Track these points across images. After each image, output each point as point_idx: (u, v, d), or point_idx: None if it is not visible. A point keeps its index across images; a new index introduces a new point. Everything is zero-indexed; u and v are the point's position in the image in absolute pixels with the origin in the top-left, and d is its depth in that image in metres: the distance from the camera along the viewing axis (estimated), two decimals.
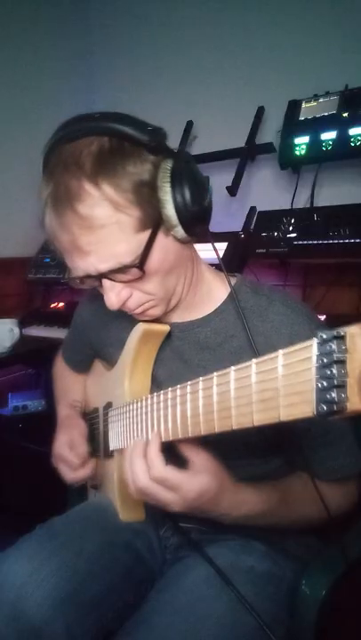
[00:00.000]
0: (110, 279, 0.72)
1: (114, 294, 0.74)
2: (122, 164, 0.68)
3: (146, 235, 0.70)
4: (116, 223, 0.67)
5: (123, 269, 0.70)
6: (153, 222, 0.70)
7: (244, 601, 0.73)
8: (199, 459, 0.69)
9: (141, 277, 0.72)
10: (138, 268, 0.70)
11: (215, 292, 0.85)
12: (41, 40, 2.16)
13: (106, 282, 0.73)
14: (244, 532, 0.87)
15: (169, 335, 0.86)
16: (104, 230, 0.67)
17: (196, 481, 0.67)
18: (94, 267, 0.70)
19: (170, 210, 0.70)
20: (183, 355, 0.85)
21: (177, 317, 0.86)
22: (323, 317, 1.33)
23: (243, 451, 0.83)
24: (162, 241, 0.72)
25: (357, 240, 1.43)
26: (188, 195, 0.70)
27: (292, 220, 1.59)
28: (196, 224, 0.72)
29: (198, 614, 0.73)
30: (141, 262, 0.70)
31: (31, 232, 2.13)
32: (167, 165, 0.71)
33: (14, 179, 2.08)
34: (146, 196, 0.69)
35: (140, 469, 0.70)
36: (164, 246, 0.73)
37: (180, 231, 0.72)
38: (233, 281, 0.85)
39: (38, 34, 2.15)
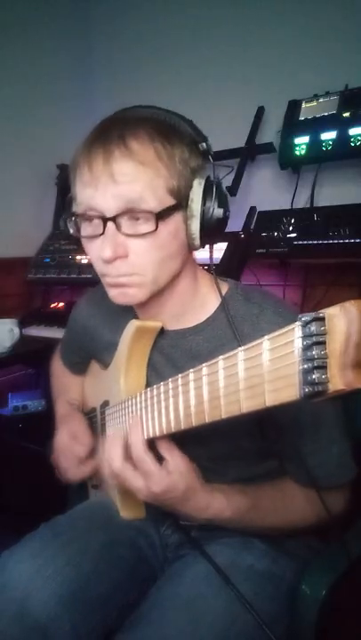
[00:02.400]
0: (118, 224, 0.70)
1: (112, 244, 0.70)
2: (179, 138, 0.73)
3: (171, 202, 0.71)
4: (155, 169, 0.69)
5: (141, 212, 0.69)
6: (179, 199, 0.73)
7: (242, 599, 0.73)
8: (174, 459, 0.70)
9: (151, 233, 0.70)
10: (156, 217, 0.69)
11: (209, 301, 0.84)
12: (41, 40, 2.16)
13: (110, 227, 0.70)
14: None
15: (161, 342, 0.86)
16: (143, 168, 0.68)
17: (167, 478, 0.69)
18: (114, 201, 0.69)
19: (197, 198, 0.73)
20: (176, 362, 0.85)
21: (169, 325, 0.85)
22: None
23: (235, 452, 0.83)
24: (178, 221, 0.73)
25: (357, 240, 1.42)
26: (217, 197, 0.74)
27: (292, 220, 1.59)
28: (211, 228, 0.75)
29: (197, 611, 0.73)
30: (159, 216, 0.70)
31: (31, 232, 2.14)
32: (207, 171, 0.75)
33: (14, 179, 2.08)
34: (185, 174, 0.72)
35: (117, 453, 0.71)
36: (177, 229, 0.74)
37: (195, 223, 0.74)
38: (226, 287, 0.84)
39: (38, 33, 2.15)
